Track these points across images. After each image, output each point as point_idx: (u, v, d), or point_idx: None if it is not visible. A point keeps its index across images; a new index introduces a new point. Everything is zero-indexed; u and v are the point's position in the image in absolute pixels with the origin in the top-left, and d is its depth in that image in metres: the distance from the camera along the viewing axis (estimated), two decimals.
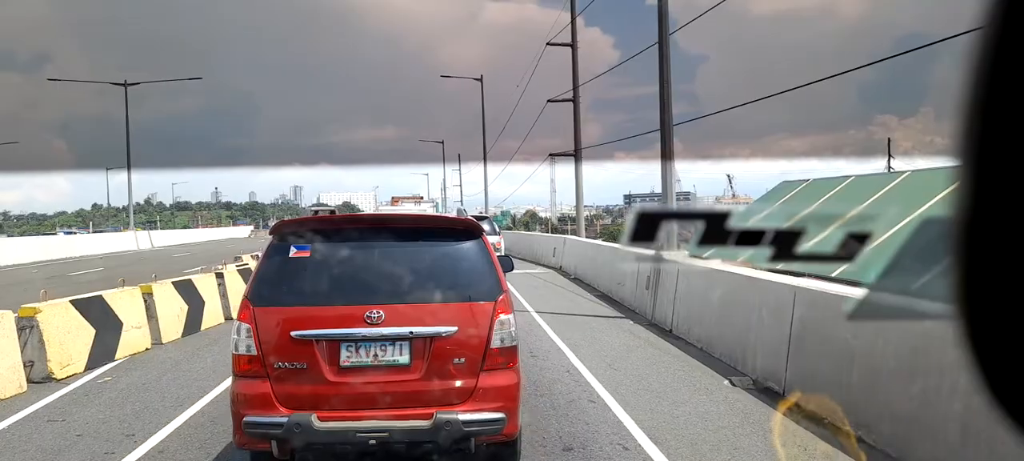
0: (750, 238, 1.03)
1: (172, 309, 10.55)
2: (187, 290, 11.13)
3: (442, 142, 63.68)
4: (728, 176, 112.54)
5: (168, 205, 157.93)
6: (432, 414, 4.24)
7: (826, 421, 5.81)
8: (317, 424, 4.19)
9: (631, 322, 12.12)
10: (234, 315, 10.15)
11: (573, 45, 30.08)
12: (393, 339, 4.32)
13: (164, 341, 10.19)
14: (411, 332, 4.31)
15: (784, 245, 1.05)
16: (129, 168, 42.77)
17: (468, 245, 4.73)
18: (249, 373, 4.33)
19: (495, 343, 4.41)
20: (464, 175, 68.80)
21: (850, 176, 19.24)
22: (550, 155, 32.49)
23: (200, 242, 57.63)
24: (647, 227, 1.06)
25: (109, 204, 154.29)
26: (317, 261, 4.60)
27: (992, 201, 0.53)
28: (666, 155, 13.47)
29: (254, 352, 4.30)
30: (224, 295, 12.31)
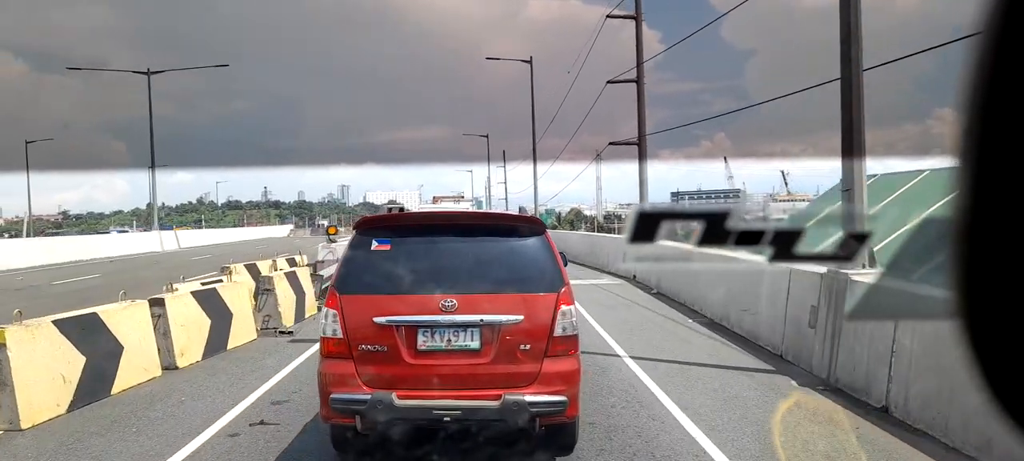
0: (750, 238, 1.03)
1: (49, 365, 6.41)
2: (87, 330, 6.99)
3: (487, 136, 59.51)
4: (782, 172, 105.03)
5: (219, 204, 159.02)
6: (500, 395, 4.48)
7: None
8: (397, 402, 4.45)
9: (792, 381, 7.56)
10: (178, 362, 8.26)
11: (637, 18, 25.32)
12: (465, 326, 4.56)
13: (26, 425, 6.02)
14: (481, 319, 4.55)
15: (784, 244, 1.06)
16: (153, 163, 39.39)
17: (532, 241, 4.91)
18: (335, 354, 4.61)
19: (557, 332, 4.60)
20: (509, 173, 64.19)
21: (924, 170, 16.91)
22: (610, 143, 27.39)
23: (232, 242, 53.50)
24: (647, 227, 1.05)
25: (163, 203, 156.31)
26: (396, 254, 4.82)
27: (993, 201, 0.53)
28: (852, 151, 8.28)
29: (340, 335, 4.58)
30: (165, 333, 8.20)
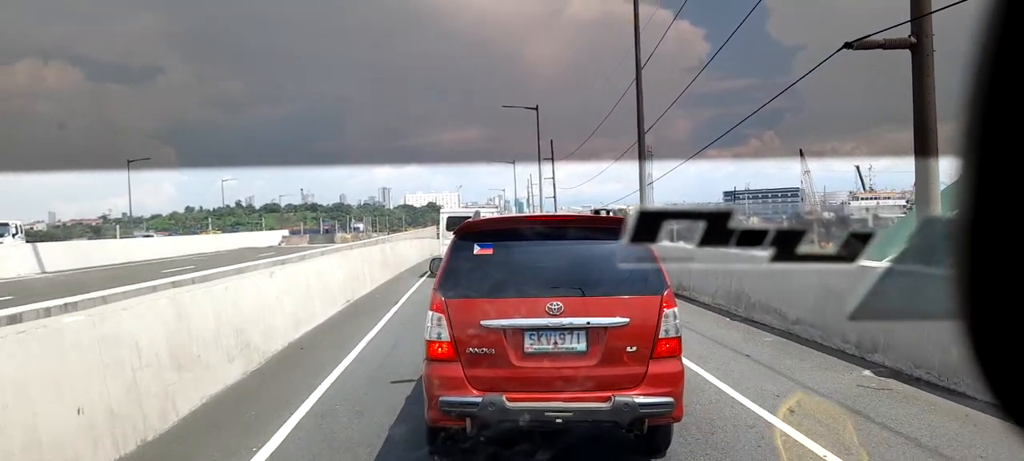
0: (751, 238, 1.03)
1: None
2: None
3: (536, 108, 46.22)
4: (857, 168, 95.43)
5: (257, 208, 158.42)
6: (609, 397, 4.59)
7: None
8: (508, 404, 4.61)
9: None
10: None
11: None
12: (571, 329, 4.67)
13: None
14: (588, 323, 4.66)
15: (785, 245, 1.04)
16: None
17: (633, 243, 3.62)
18: (442, 358, 4.75)
19: (662, 334, 4.70)
20: (551, 174, 56.83)
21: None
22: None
23: (139, 261, 32.76)
24: (648, 227, 1.05)
25: (201, 207, 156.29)
26: (499, 258, 4.98)
27: (996, 201, 0.53)
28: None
29: (446, 339, 4.72)
30: None
